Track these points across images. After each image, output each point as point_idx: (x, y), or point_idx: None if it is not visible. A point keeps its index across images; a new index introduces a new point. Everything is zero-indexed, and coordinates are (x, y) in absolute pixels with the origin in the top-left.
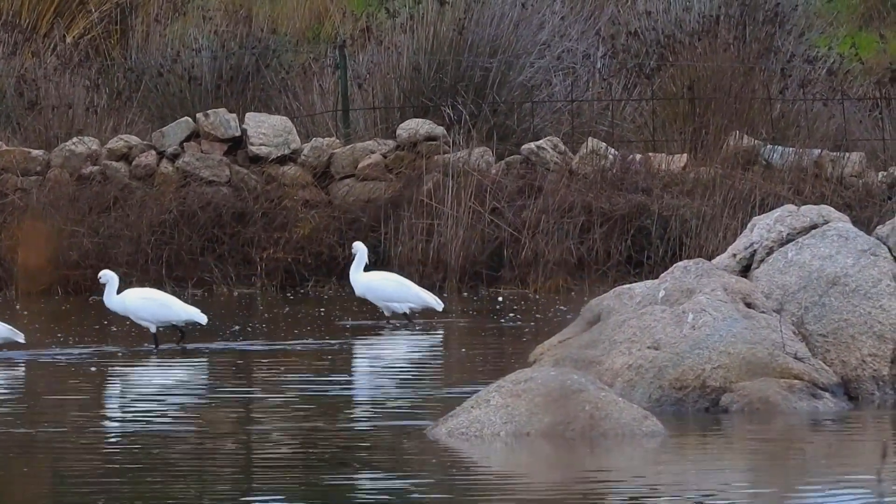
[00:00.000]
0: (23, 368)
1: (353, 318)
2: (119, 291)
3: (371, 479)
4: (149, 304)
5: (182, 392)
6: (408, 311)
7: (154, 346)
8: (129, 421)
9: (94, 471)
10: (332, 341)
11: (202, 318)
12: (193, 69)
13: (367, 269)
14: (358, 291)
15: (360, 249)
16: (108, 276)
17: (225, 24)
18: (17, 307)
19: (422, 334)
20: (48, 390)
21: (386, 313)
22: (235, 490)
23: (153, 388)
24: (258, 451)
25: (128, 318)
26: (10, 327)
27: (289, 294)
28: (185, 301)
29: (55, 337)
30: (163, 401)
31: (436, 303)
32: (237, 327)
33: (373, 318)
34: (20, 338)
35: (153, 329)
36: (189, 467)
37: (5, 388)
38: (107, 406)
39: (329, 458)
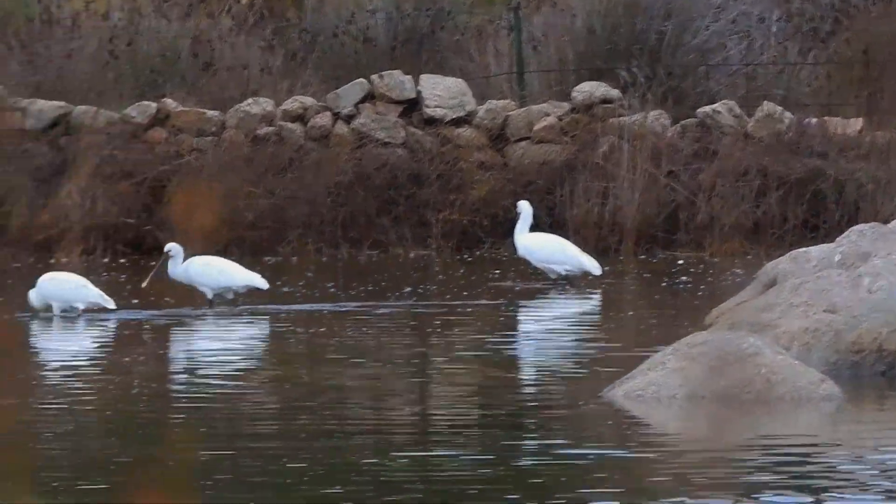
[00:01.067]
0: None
1: (526, 281)
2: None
3: (546, 441)
4: (209, 270)
5: (356, 353)
6: (564, 273)
7: (209, 308)
8: (305, 384)
9: (289, 431)
10: (505, 303)
11: (263, 284)
12: (368, 31)
13: (541, 230)
14: (519, 252)
15: (525, 209)
16: (176, 250)
17: None
18: None
19: (592, 297)
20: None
21: (551, 276)
22: (413, 447)
23: (330, 348)
24: (433, 412)
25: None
26: (101, 293)
27: (465, 256)
28: (361, 262)
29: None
30: (340, 361)
31: (594, 267)
32: (409, 289)
33: (545, 281)
34: (110, 304)
35: (210, 295)
36: (367, 424)
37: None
38: (295, 364)
39: (503, 420)
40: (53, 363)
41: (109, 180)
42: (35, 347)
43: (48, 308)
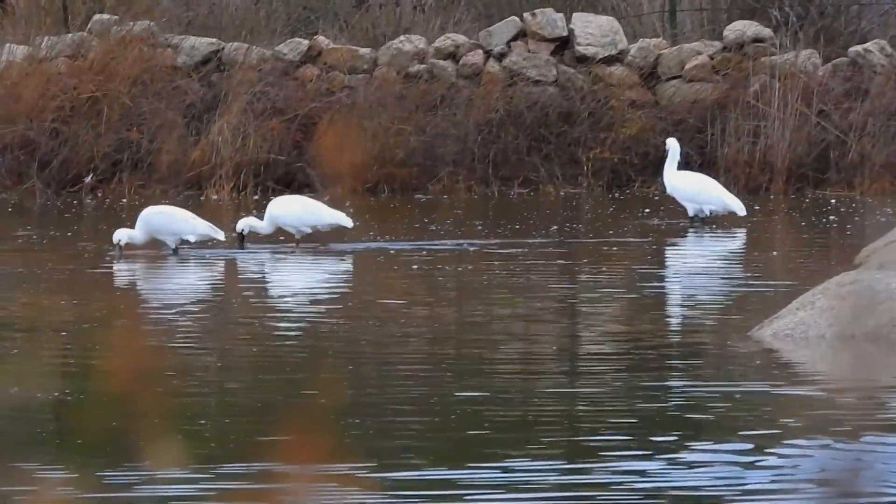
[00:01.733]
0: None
1: (674, 219)
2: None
3: (695, 380)
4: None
5: (504, 290)
6: (709, 213)
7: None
8: (452, 321)
9: (436, 368)
10: (652, 241)
11: (348, 222)
12: None
13: (692, 169)
14: (667, 189)
15: (673, 146)
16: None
17: None
18: (347, 204)
19: (741, 236)
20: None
21: (689, 212)
22: (560, 384)
23: (477, 284)
24: (580, 349)
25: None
26: (211, 224)
27: (615, 194)
28: (512, 200)
29: (380, 232)
30: (486, 296)
31: (739, 208)
32: (556, 227)
33: (691, 220)
34: (220, 235)
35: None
36: (517, 357)
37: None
38: (426, 300)
39: (651, 358)
40: (188, 302)
41: (260, 117)
42: (164, 286)
43: (147, 244)
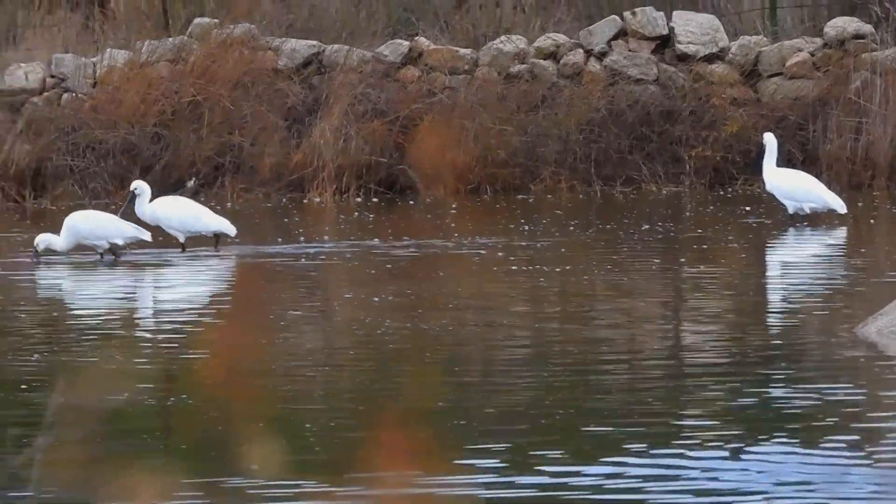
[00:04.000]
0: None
1: (774, 216)
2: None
3: (799, 376)
4: (179, 212)
5: (603, 288)
6: (808, 211)
7: (182, 250)
8: (556, 318)
9: (541, 365)
10: (753, 238)
11: (232, 230)
12: None
13: (793, 166)
14: (767, 186)
15: (770, 141)
16: (142, 188)
17: None
18: (454, 205)
19: (842, 233)
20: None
21: (789, 210)
22: (665, 379)
23: (576, 283)
24: (684, 346)
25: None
26: (136, 226)
27: (718, 192)
28: (615, 199)
29: (485, 233)
30: (588, 296)
31: (839, 205)
32: (646, 226)
33: (794, 217)
34: (147, 236)
35: (182, 239)
36: (620, 358)
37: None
38: (544, 302)
39: (754, 355)
40: (296, 305)
41: (362, 119)
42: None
43: (74, 249)
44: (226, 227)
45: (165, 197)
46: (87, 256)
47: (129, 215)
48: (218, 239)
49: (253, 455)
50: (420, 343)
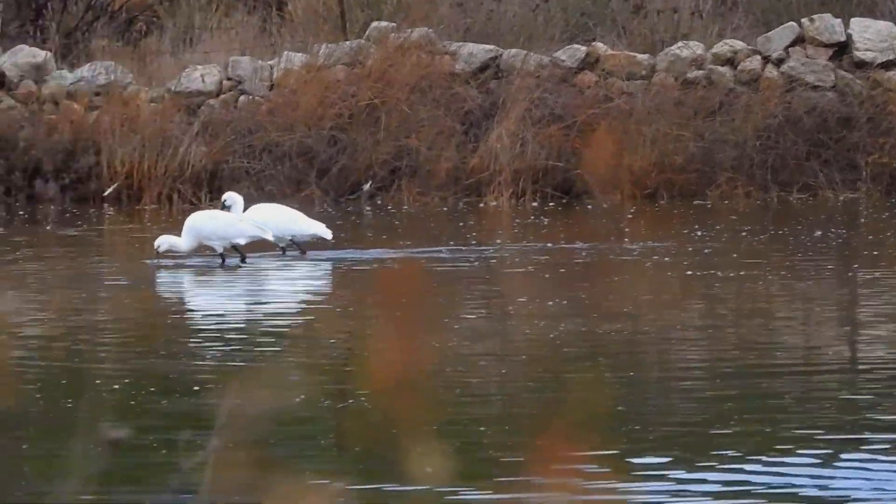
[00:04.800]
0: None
1: None
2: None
3: None
4: (276, 217)
5: (782, 292)
6: None
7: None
8: (733, 327)
9: (714, 372)
10: None
11: (327, 234)
12: None
13: None
14: None
15: None
16: (233, 199)
17: None
18: (632, 209)
19: None
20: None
21: None
22: (839, 389)
23: (755, 290)
24: (858, 351)
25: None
26: (258, 224)
27: (894, 199)
28: (792, 205)
29: (660, 238)
30: (763, 300)
31: None
32: (819, 232)
33: None
34: (268, 235)
35: (282, 243)
36: (793, 364)
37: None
38: (698, 302)
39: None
40: (468, 306)
41: (538, 124)
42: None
43: (195, 251)
44: (322, 230)
45: (261, 204)
46: (232, 260)
47: None
48: (301, 246)
49: (423, 459)
50: (594, 347)
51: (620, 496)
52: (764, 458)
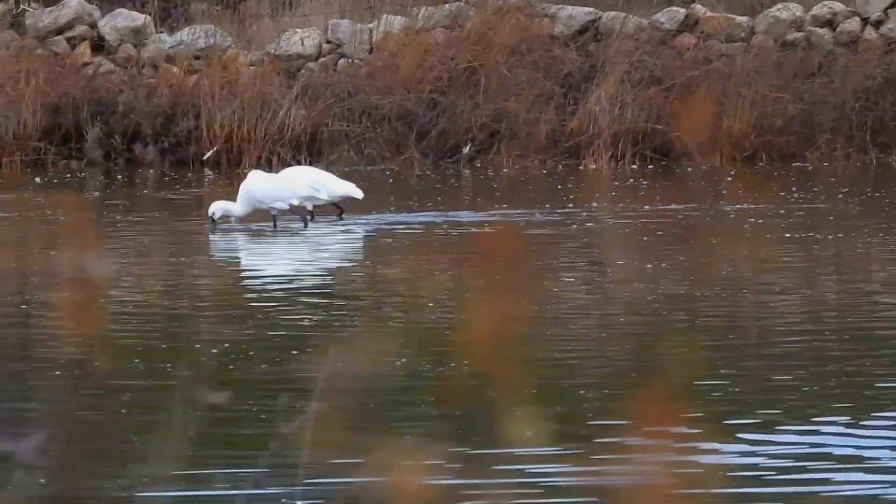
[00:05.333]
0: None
1: None
2: None
3: None
4: (307, 178)
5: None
6: None
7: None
8: (832, 293)
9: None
10: None
11: (358, 194)
12: None
13: None
14: None
15: None
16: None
17: None
18: (732, 171)
19: None
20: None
21: None
22: None
23: (850, 255)
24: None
25: None
26: (350, 184)
27: None
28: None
29: (759, 200)
30: (853, 272)
31: None
32: None
33: None
34: (359, 195)
35: (284, 207)
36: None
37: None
38: (795, 268)
39: None
40: (573, 270)
41: (638, 86)
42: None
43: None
44: (352, 190)
45: (292, 167)
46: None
47: None
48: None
49: (523, 423)
50: (693, 310)
51: (720, 458)
52: (865, 422)
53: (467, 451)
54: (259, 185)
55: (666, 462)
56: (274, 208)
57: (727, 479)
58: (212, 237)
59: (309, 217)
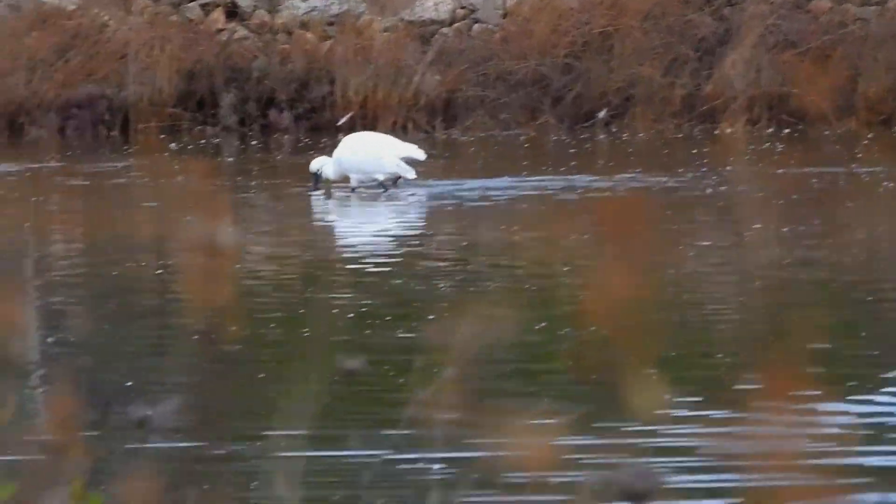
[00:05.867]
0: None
1: None
2: None
3: None
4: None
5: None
6: None
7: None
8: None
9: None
10: None
11: (421, 155)
12: None
13: None
14: None
15: None
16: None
17: None
18: (870, 135)
19: None
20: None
21: None
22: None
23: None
24: None
25: None
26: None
27: None
28: None
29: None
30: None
31: None
32: None
33: None
34: (422, 156)
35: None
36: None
37: None
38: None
39: None
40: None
41: (773, 50)
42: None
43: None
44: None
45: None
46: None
47: None
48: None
49: (658, 388)
50: (829, 273)
51: (852, 419)
52: None
53: (602, 418)
54: (348, 158)
55: (800, 423)
56: (362, 180)
57: (870, 437)
58: (315, 195)
59: (391, 183)
